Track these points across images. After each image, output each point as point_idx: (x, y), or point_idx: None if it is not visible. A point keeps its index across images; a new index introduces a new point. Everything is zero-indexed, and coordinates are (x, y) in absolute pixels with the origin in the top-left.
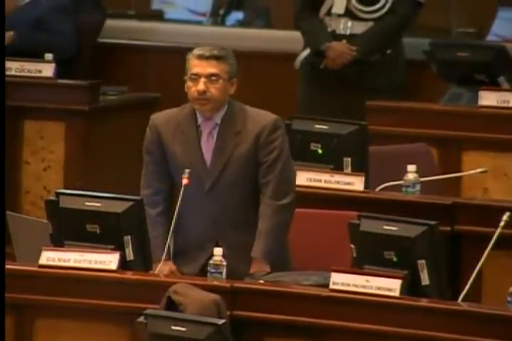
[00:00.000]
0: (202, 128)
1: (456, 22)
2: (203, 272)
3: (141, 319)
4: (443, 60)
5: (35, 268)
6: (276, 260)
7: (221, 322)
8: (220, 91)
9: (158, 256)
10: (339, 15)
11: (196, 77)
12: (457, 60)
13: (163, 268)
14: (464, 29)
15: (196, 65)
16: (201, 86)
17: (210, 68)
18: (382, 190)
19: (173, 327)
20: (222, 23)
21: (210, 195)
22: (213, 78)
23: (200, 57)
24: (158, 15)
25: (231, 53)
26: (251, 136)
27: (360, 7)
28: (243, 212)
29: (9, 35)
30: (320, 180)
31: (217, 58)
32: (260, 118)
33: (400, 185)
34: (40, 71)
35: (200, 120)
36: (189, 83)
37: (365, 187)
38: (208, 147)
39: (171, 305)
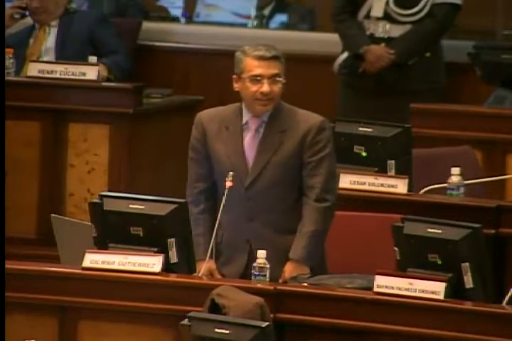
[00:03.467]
0: (249, 125)
1: (501, 24)
2: (245, 273)
3: (185, 321)
4: (487, 63)
5: (79, 271)
6: (315, 265)
7: (265, 324)
8: (280, 91)
9: (200, 255)
10: (378, 19)
11: (259, 78)
12: (501, 62)
13: (202, 266)
14: (509, 31)
15: (257, 66)
16: (266, 87)
17: (273, 69)
18: (426, 192)
19: (217, 330)
20: (267, 26)
21: (248, 192)
22: (277, 78)
23: (261, 58)
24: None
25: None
26: (297, 135)
27: (398, 10)
28: (279, 212)
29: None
30: (364, 183)
31: (276, 58)
32: (307, 118)
33: (444, 188)
34: (84, 74)
35: (247, 117)
36: (248, 84)
37: (409, 190)
38: (252, 144)
39: (215, 307)
